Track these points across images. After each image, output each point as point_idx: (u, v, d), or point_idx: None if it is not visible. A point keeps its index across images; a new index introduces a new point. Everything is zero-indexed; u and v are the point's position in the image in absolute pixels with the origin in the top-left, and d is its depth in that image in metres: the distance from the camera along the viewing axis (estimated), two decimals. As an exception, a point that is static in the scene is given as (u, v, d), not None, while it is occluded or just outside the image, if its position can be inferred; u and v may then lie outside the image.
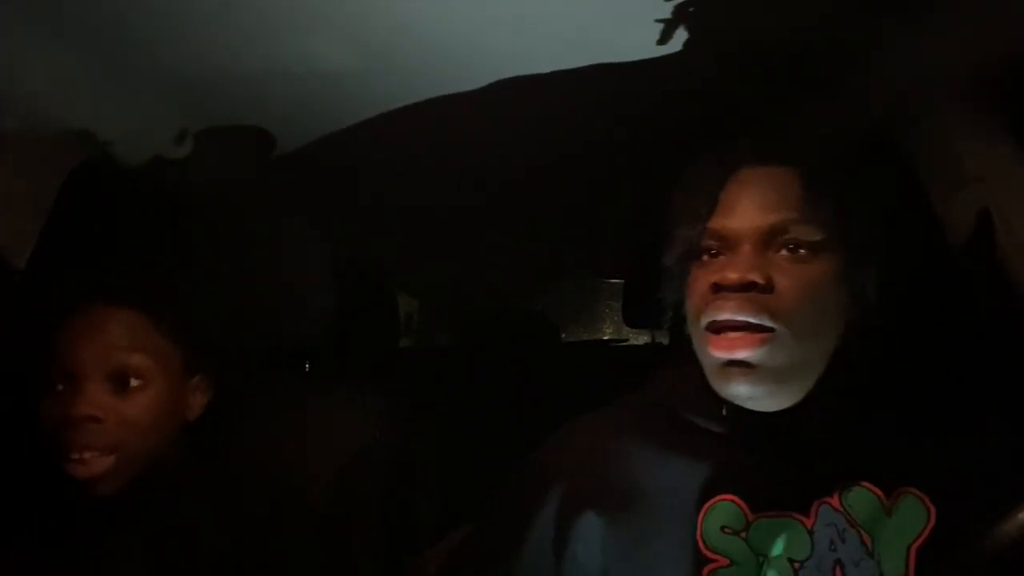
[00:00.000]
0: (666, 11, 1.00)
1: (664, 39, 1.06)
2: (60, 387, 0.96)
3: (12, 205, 1.07)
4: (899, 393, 0.89)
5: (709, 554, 0.85)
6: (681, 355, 0.96)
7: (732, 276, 0.84)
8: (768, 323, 0.83)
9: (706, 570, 0.85)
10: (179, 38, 1.05)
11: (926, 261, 0.94)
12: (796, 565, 0.84)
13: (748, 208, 0.88)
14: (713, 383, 0.89)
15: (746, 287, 0.84)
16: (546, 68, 1.15)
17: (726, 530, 0.86)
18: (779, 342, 0.84)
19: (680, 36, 1.06)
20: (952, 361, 0.93)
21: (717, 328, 0.86)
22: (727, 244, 0.88)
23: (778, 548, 0.84)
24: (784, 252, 0.86)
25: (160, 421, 1.00)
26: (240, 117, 1.30)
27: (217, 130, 1.31)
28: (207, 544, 1.00)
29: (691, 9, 1.00)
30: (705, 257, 0.90)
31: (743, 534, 0.86)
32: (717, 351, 0.85)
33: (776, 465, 0.87)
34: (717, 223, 0.89)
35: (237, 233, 1.26)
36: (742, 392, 0.86)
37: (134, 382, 0.98)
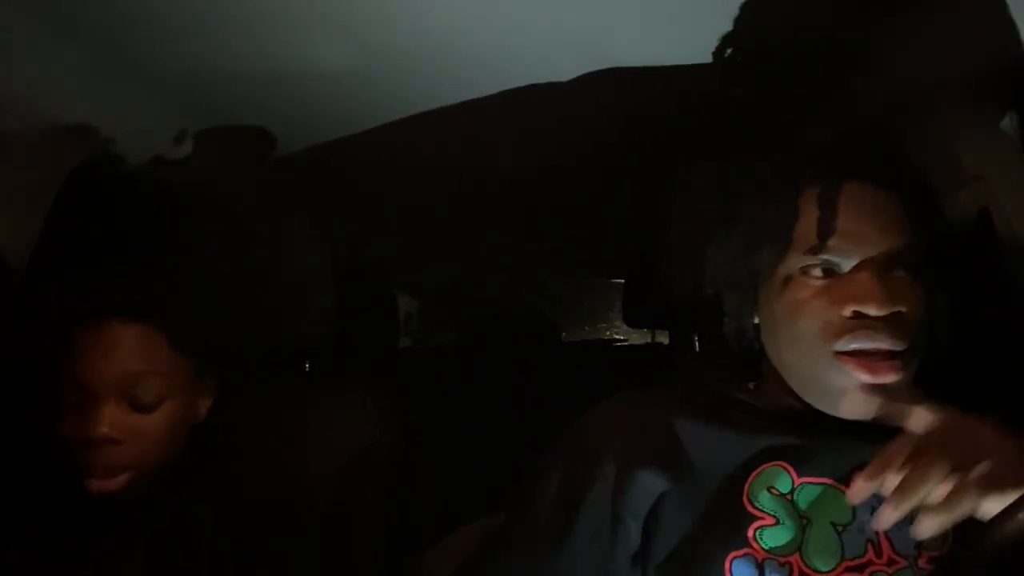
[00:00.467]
0: (668, 14, 1.00)
1: (666, 42, 1.06)
2: (74, 401, 0.94)
3: (12, 204, 1.07)
4: (923, 380, 0.91)
5: (755, 511, 0.87)
6: (684, 355, 0.97)
7: (878, 310, 0.85)
8: (901, 347, 0.85)
9: (752, 527, 0.86)
10: (180, 38, 1.05)
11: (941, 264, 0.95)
12: (839, 529, 0.85)
13: (872, 232, 0.88)
14: (838, 401, 0.89)
15: (888, 319, 0.85)
16: (547, 69, 1.15)
17: (773, 491, 0.88)
18: (908, 363, 0.87)
19: (681, 39, 1.06)
20: (962, 355, 0.95)
21: (857, 353, 0.86)
22: (842, 265, 0.88)
23: (821, 512, 0.86)
24: (901, 273, 0.87)
25: (175, 433, 1.00)
26: (240, 117, 1.30)
27: (217, 130, 1.31)
28: (207, 544, 1.00)
29: (692, 13, 1.00)
30: (817, 277, 0.89)
31: (789, 496, 0.87)
32: (865, 375, 0.86)
33: (816, 438, 0.90)
34: (837, 244, 0.88)
35: (237, 233, 1.26)
36: (864, 412, 0.87)
37: (151, 400, 0.97)
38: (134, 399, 0.96)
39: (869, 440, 0.89)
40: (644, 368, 1.06)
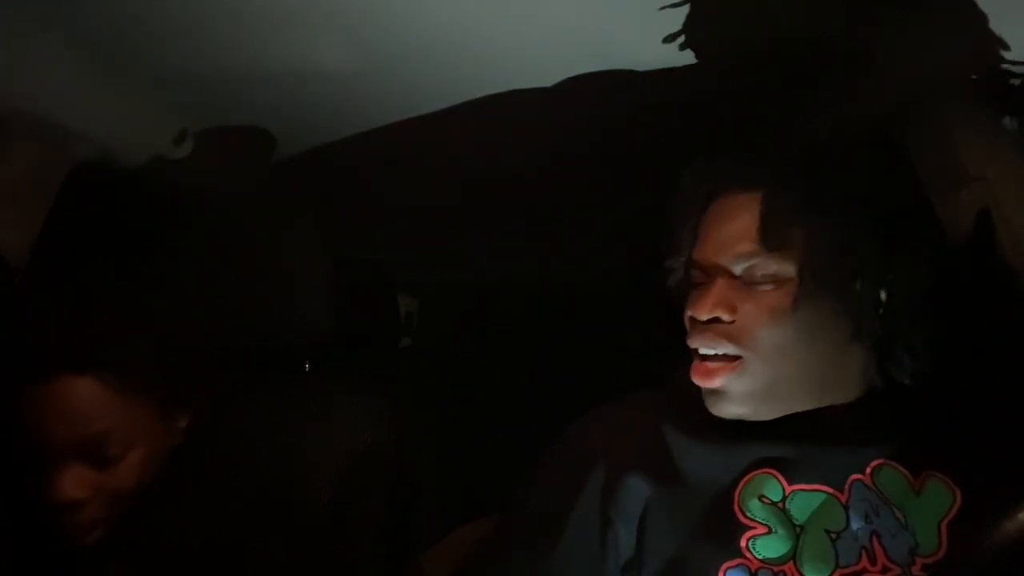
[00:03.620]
0: (668, 16, 1.00)
1: (669, 45, 1.06)
2: (40, 460, 0.90)
3: (12, 204, 1.07)
4: (920, 384, 0.92)
5: (748, 521, 0.87)
6: (684, 356, 0.97)
7: (699, 313, 0.90)
8: (733, 351, 0.89)
9: (745, 537, 0.86)
10: (179, 38, 1.05)
11: (932, 260, 0.94)
12: (833, 535, 0.86)
13: (717, 240, 0.93)
14: (707, 406, 0.93)
15: (712, 321, 0.90)
16: (548, 69, 1.15)
17: (764, 499, 0.88)
18: (748, 367, 0.89)
19: (682, 41, 1.06)
20: (968, 354, 0.95)
21: (696, 354, 0.92)
22: (707, 274, 0.93)
23: (815, 519, 0.87)
24: (752, 281, 0.90)
25: (145, 475, 0.96)
26: (240, 117, 1.30)
27: (217, 130, 1.31)
28: (207, 544, 1.00)
29: (693, 14, 1.00)
30: (696, 284, 0.95)
31: (780, 504, 0.88)
32: (696, 378, 0.92)
33: (807, 445, 0.90)
34: (696, 254, 0.95)
35: (237, 233, 1.26)
36: (726, 413, 0.92)
37: (115, 453, 0.92)
38: (97, 457, 0.91)
39: (861, 446, 0.90)
40: (644, 368, 1.06)
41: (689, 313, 0.92)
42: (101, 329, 0.94)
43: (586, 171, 1.56)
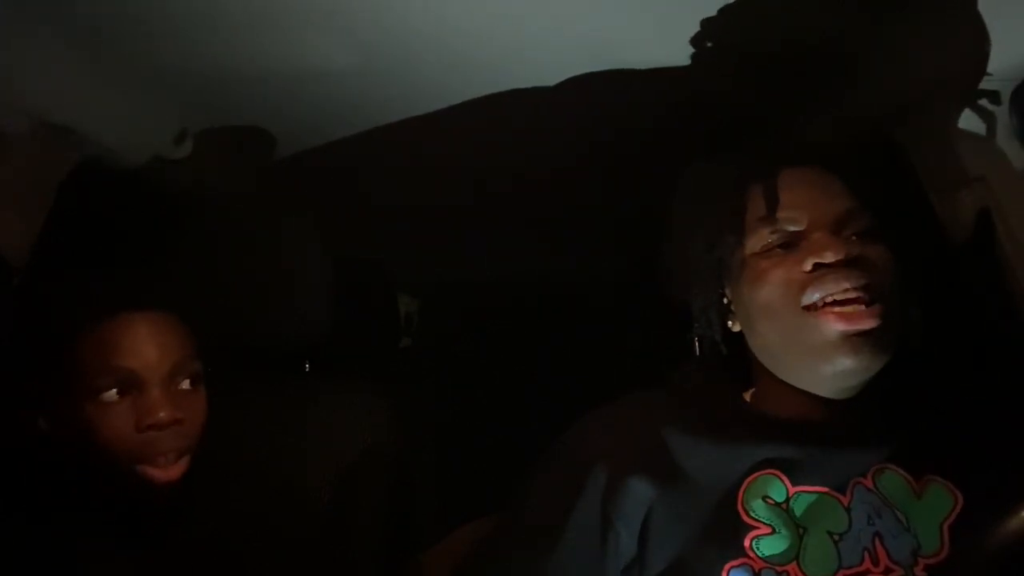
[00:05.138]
0: (670, 18, 1.00)
1: (669, 46, 1.06)
2: (113, 393, 0.93)
3: (12, 204, 1.07)
4: (922, 386, 0.92)
5: (751, 521, 0.87)
6: (684, 358, 0.97)
7: (832, 256, 0.87)
8: (874, 292, 0.87)
9: (749, 537, 0.86)
10: (179, 38, 1.05)
11: (932, 260, 0.95)
12: (835, 538, 0.86)
13: (816, 199, 0.92)
14: (823, 361, 0.89)
15: (847, 263, 0.87)
16: (548, 70, 1.15)
17: (768, 500, 0.88)
18: (886, 310, 0.87)
19: (683, 41, 1.06)
20: (967, 356, 0.95)
21: (828, 304, 0.88)
22: (799, 235, 0.91)
23: (818, 520, 0.87)
24: (854, 237, 0.90)
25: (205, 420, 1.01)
26: (240, 117, 1.30)
27: (217, 130, 1.31)
28: (207, 545, 1.00)
29: (694, 16, 1.00)
30: (777, 250, 0.92)
31: (784, 505, 0.88)
32: (840, 324, 0.87)
33: (810, 448, 0.90)
34: (786, 215, 0.92)
35: (237, 233, 1.26)
36: (862, 364, 0.87)
37: (196, 379, 0.99)
38: (181, 381, 0.97)
39: (863, 449, 0.90)
40: (644, 369, 1.06)
41: (813, 259, 0.88)
42: (178, 280, 1.06)
43: (586, 171, 1.57)
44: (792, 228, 0.91)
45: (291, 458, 1.11)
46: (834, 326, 0.87)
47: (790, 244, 0.91)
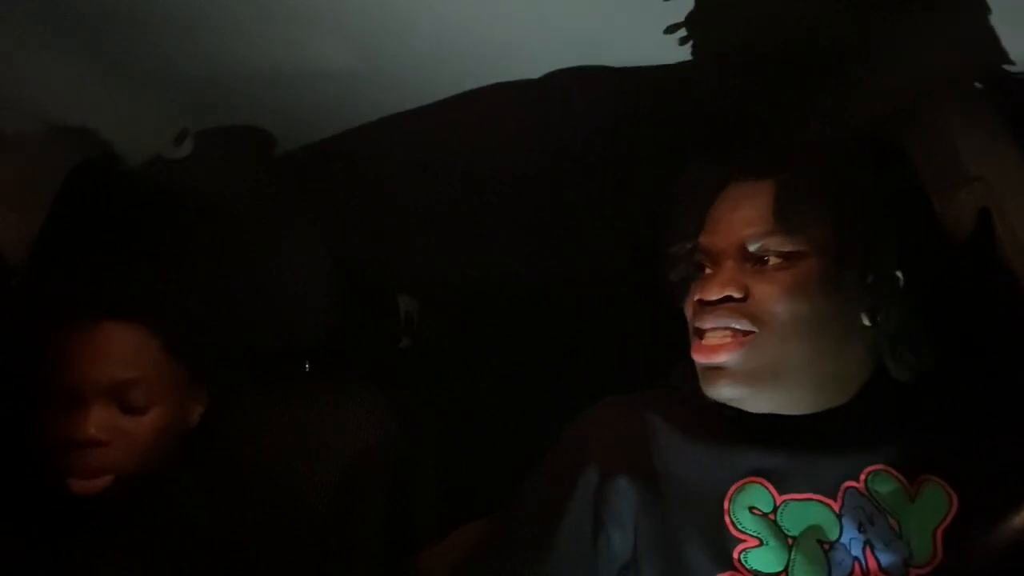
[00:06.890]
0: (669, 15, 1.00)
1: (667, 43, 1.06)
2: (61, 403, 0.93)
3: (12, 204, 1.07)
4: (917, 385, 0.92)
5: (739, 534, 0.87)
6: (681, 357, 0.97)
7: (710, 293, 0.90)
8: (747, 326, 0.88)
9: (737, 550, 0.86)
10: (179, 38, 1.05)
11: (930, 260, 0.94)
12: (825, 546, 0.85)
13: (729, 224, 0.93)
14: (702, 388, 0.92)
15: (723, 300, 0.90)
16: (548, 68, 1.15)
17: (755, 511, 0.88)
18: (758, 342, 0.88)
19: (684, 41, 1.06)
20: (966, 356, 0.95)
21: (701, 335, 0.92)
22: (713, 260, 0.93)
23: (807, 530, 0.86)
24: (763, 263, 0.90)
25: (162, 439, 0.98)
26: (240, 117, 1.30)
27: (217, 130, 1.30)
28: (207, 545, 1.00)
29: (692, 13, 1.00)
30: (702, 273, 0.95)
31: (772, 515, 0.87)
32: (698, 356, 0.92)
33: (799, 452, 0.90)
34: (704, 240, 0.95)
35: (237, 233, 1.26)
36: (723, 394, 0.91)
37: (140, 404, 0.95)
38: (123, 402, 0.95)
39: (855, 451, 0.89)
40: (644, 369, 1.06)
41: (697, 296, 0.92)
42: (158, 283, 1.02)
43: (586, 170, 1.56)
44: (711, 251, 0.94)
45: (291, 458, 1.11)
46: (695, 356, 0.92)
47: (711, 264, 0.94)
